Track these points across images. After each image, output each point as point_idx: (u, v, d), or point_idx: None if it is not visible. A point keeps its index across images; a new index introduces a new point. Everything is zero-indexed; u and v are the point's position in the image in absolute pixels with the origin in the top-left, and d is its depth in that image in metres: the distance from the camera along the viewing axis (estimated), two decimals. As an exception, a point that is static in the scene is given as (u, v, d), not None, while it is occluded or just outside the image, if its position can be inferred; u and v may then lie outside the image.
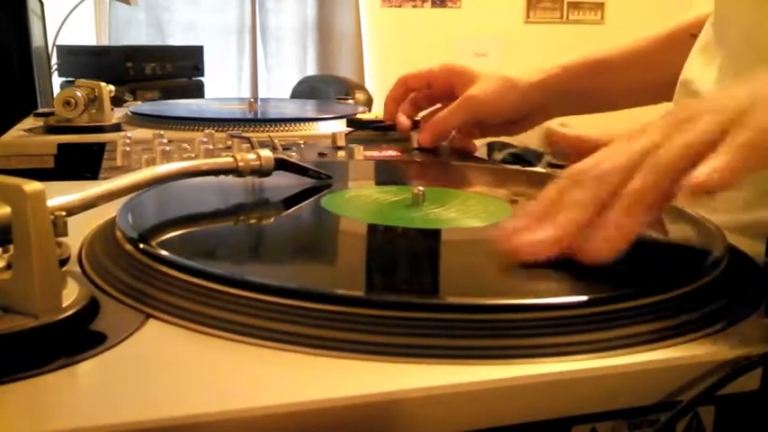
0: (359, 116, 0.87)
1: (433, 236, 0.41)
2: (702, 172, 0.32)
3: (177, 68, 2.32)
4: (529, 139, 0.79)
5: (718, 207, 0.49)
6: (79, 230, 0.40)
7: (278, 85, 3.49)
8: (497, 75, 0.75)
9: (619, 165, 0.35)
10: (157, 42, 3.25)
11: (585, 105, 0.82)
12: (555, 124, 0.53)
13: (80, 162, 0.78)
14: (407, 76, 0.80)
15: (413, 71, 0.80)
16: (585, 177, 0.35)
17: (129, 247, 0.35)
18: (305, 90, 2.51)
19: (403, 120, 0.80)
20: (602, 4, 3.83)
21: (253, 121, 0.87)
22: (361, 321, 0.28)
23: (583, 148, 0.39)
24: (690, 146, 0.34)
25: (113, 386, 0.25)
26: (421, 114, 0.82)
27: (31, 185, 0.27)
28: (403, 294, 0.32)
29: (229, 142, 0.74)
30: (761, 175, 0.33)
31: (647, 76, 0.76)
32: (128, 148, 0.69)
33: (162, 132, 0.75)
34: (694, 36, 0.65)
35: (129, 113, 0.94)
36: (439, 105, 0.80)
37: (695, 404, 0.27)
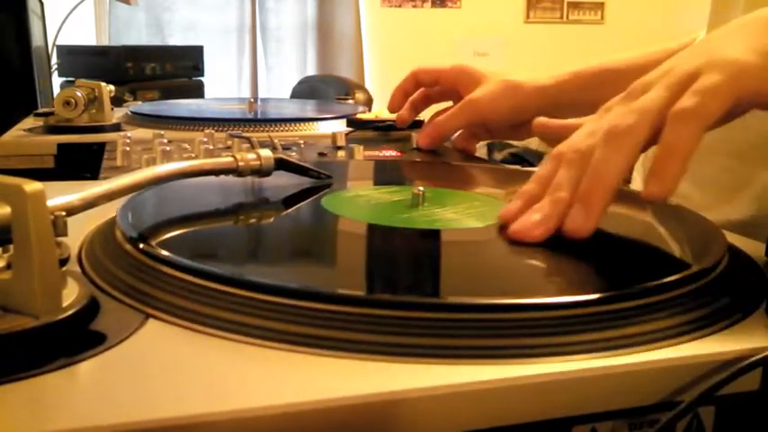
0: (359, 116, 0.87)
1: (433, 236, 0.41)
2: (652, 184, 0.35)
3: (177, 68, 2.32)
4: (529, 139, 0.79)
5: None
6: (79, 230, 0.40)
7: (278, 85, 3.49)
8: (503, 77, 0.73)
9: (585, 143, 0.38)
10: (157, 42, 3.26)
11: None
12: None
13: (80, 162, 0.77)
14: (419, 69, 0.80)
15: (426, 66, 0.79)
16: (564, 158, 0.39)
17: (128, 246, 0.35)
18: (305, 90, 2.51)
19: (404, 113, 0.80)
20: (602, 4, 3.83)
21: (253, 121, 0.87)
22: (361, 321, 0.28)
23: (569, 132, 0.42)
24: (643, 115, 0.37)
25: (113, 386, 0.25)
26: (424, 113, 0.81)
27: (31, 185, 0.27)
28: (403, 294, 0.32)
29: (229, 142, 0.74)
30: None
31: None
32: (128, 148, 0.69)
33: (162, 132, 0.75)
34: None
35: (129, 113, 0.94)
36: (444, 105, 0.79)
37: (695, 404, 0.27)
